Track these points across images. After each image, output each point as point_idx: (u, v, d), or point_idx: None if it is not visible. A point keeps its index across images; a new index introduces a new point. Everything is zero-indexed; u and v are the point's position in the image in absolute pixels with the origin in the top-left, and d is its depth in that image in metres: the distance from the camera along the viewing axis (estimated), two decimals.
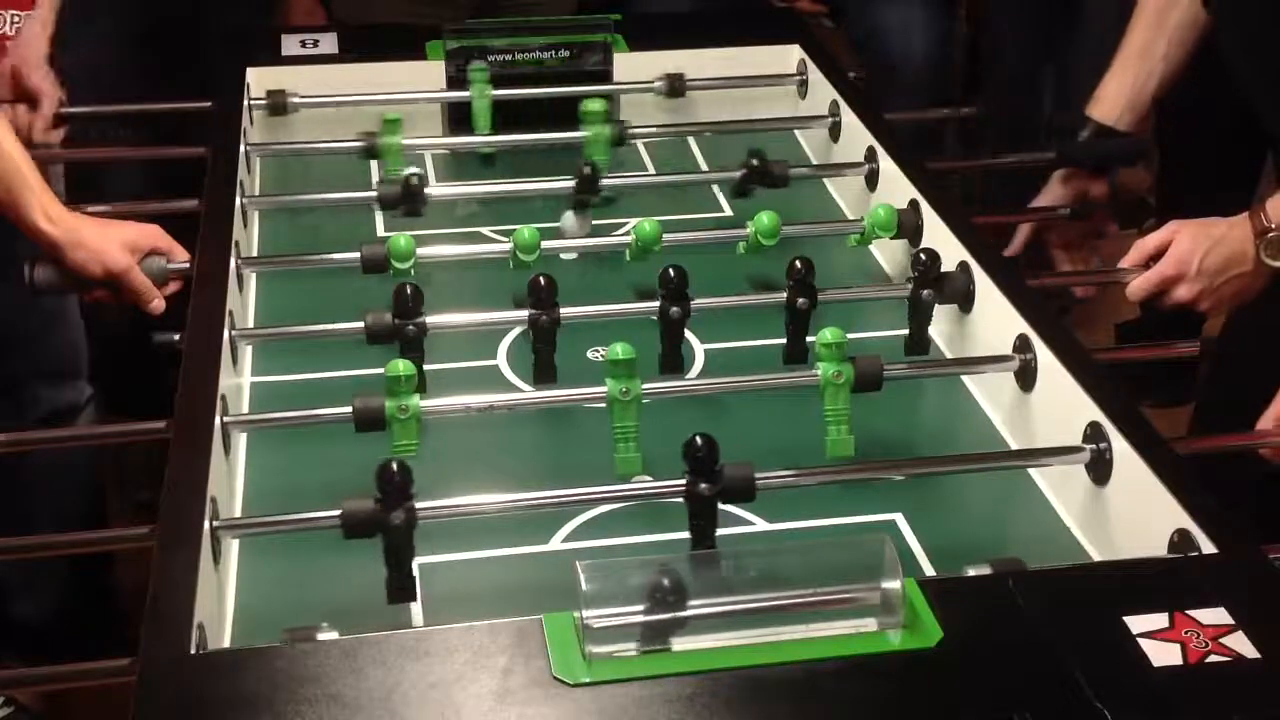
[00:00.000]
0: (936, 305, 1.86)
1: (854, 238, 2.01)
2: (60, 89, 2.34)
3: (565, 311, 1.79)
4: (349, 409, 1.63)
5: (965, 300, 1.84)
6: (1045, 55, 3.18)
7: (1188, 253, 1.85)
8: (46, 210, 1.81)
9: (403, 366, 1.57)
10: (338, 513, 1.39)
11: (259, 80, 2.40)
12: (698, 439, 1.44)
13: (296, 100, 2.35)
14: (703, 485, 1.43)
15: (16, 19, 2.25)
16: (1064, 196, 2.24)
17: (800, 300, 1.78)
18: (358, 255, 1.91)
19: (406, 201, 2.05)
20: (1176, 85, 2.19)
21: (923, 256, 1.82)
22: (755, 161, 2.15)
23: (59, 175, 2.52)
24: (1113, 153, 2.21)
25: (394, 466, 1.39)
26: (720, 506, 1.44)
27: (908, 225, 1.98)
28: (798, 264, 1.79)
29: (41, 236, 1.80)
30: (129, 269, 1.80)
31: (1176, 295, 1.87)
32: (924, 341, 1.83)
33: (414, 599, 1.41)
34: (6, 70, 2.32)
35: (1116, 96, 2.17)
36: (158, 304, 1.84)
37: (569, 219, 2.07)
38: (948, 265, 1.87)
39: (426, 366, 1.76)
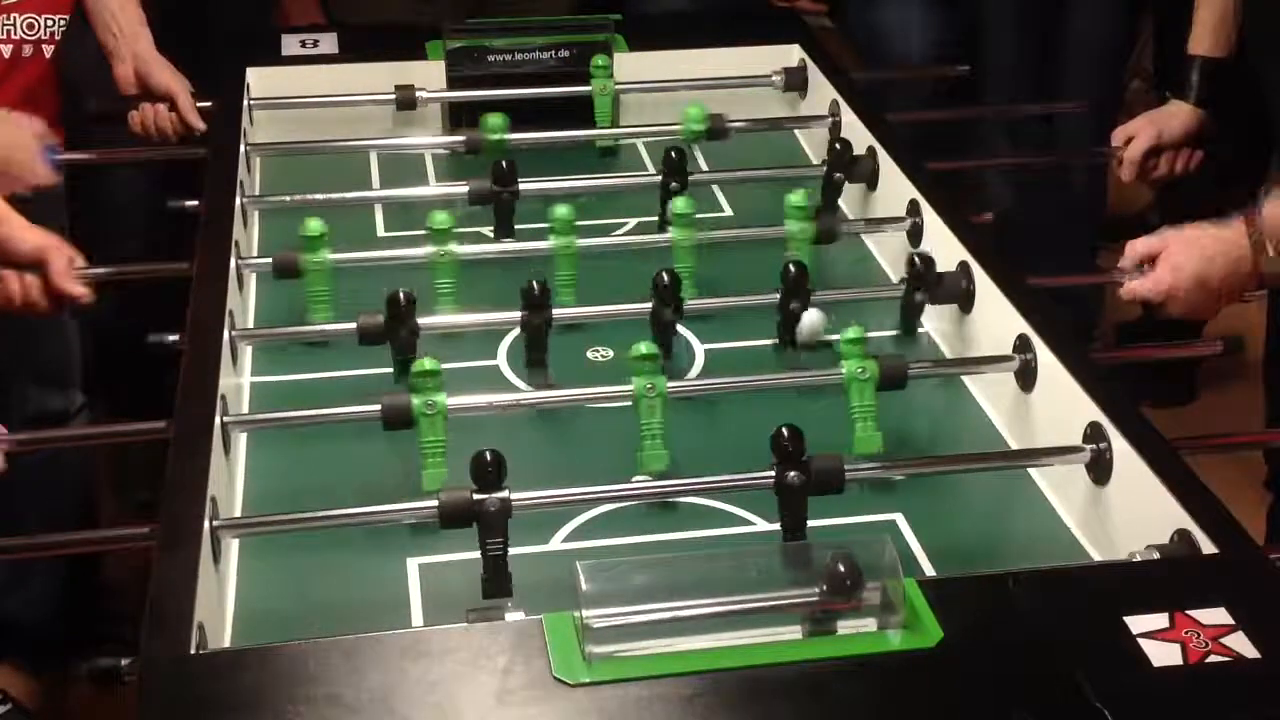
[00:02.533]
0: (936, 305, 1.87)
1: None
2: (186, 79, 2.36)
3: (565, 312, 1.80)
4: (349, 409, 1.64)
5: (965, 300, 1.84)
6: (1040, 53, 3.17)
7: (1180, 266, 1.84)
8: None
9: (429, 363, 1.58)
10: (346, 511, 1.41)
11: (259, 80, 2.40)
12: (784, 430, 1.44)
13: (425, 95, 2.37)
14: (791, 475, 1.43)
15: (51, 23, 2.25)
16: (1189, 127, 2.29)
17: (793, 304, 1.80)
18: (358, 255, 1.93)
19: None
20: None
21: (916, 261, 1.83)
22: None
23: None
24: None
25: (488, 455, 1.40)
26: (722, 506, 1.44)
27: (826, 233, 2.00)
28: (791, 267, 1.81)
29: None
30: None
31: (1170, 309, 1.87)
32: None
33: (509, 594, 1.40)
34: (130, 75, 2.33)
35: (1216, 33, 2.26)
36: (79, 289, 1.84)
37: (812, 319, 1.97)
38: (948, 267, 1.88)
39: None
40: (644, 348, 1.61)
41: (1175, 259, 1.84)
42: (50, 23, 2.24)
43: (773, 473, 1.44)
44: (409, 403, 1.56)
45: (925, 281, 1.84)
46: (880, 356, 1.65)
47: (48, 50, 2.25)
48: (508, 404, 1.69)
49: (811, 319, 1.84)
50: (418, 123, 2.41)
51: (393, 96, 2.36)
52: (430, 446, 1.56)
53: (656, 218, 2.11)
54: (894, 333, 1.90)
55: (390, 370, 1.77)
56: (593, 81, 2.37)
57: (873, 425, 1.62)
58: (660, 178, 2.12)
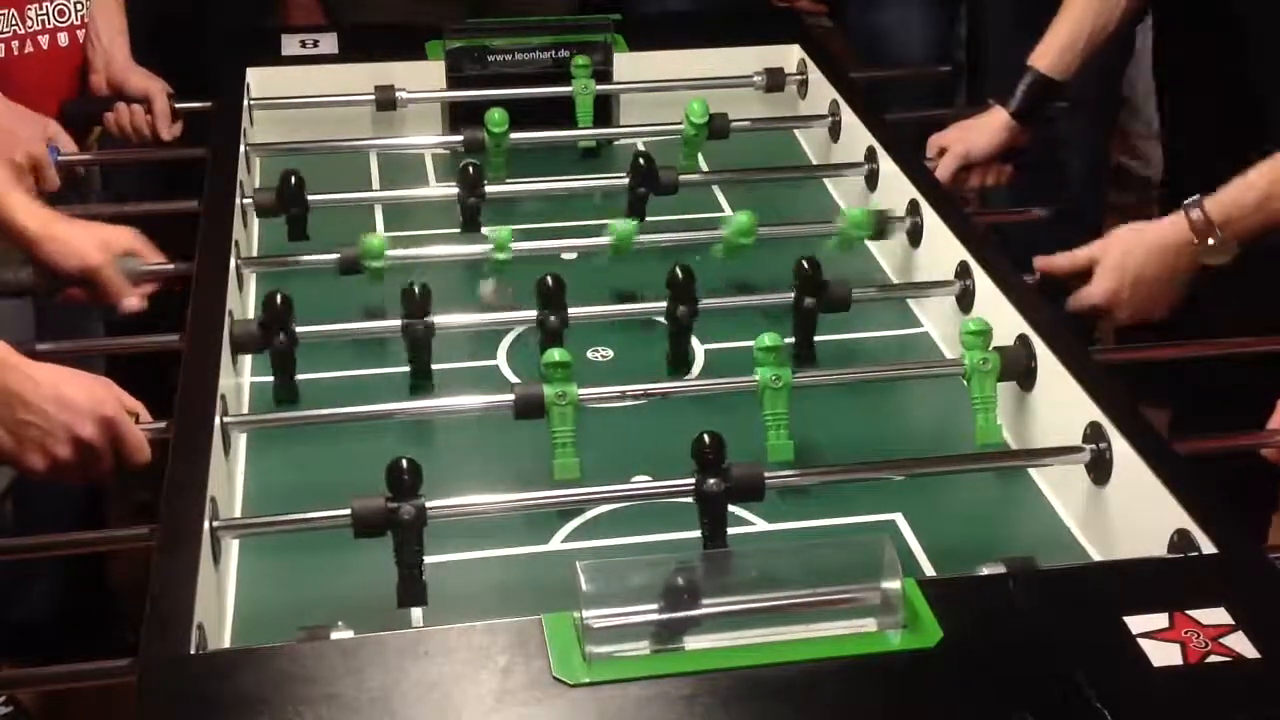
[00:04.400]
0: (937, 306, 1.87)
1: (832, 241, 2.01)
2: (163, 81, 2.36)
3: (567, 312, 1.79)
4: (349, 409, 1.64)
5: (964, 300, 1.85)
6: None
7: (1121, 266, 1.84)
8: (25, 205, 1.81)
9: (559, 354, 1.58)
10: (347, 511, 1.40)
11: (259, 80, 2.40)
12: (706, 436, 1.44)
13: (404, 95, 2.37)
14: (711, 482, 1.43)
15: (81, 7, 2.25)
16: (997, 141, 2.26)
17: (807, 300, 1.79)
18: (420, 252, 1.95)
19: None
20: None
21: (805, 265, 1.81)
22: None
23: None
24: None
25: (404, 463, 1.39)
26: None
27: (883, 226, 2.00)
28: (804, 264, 1.80)
29: (17, 231, 1.80)
30: (103, 265, 1.81)
31: (1118, 314, 1.87)
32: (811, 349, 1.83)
33: (424, 603, 1.41)
34: (102, 85, 2.33)
35: (1062, 54, 2.21)
36: (131, 301, 1.84)
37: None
38: (948, 265, 1.88)
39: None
40: (768, 339, 1.61)
41: (1114, 258, 1.84)
42: (80, 7, 2.24)
43: (693, 480, 1.44)
44: (542, 393, 1.57)
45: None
46: (1002, 348, 1.66)
47: (80, 35, 2.26)
48: (636, 393, 1.67)
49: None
50: (418, 123, 2.41)
51: (405, 96, 2.36)
52: (561, 436, 1.56)
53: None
54: (900, 332, 1.89)
55: (392, 370, 1.77)
56: (574, 82, 2.37)
57: (994, 416, 1.64)
58: (627, 179, 2.10)
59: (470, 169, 2.03)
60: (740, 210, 2.00)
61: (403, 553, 1.39)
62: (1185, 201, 1.83)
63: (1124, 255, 1.85)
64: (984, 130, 2.25)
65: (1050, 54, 2.21)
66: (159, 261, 1.86)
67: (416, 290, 1.74)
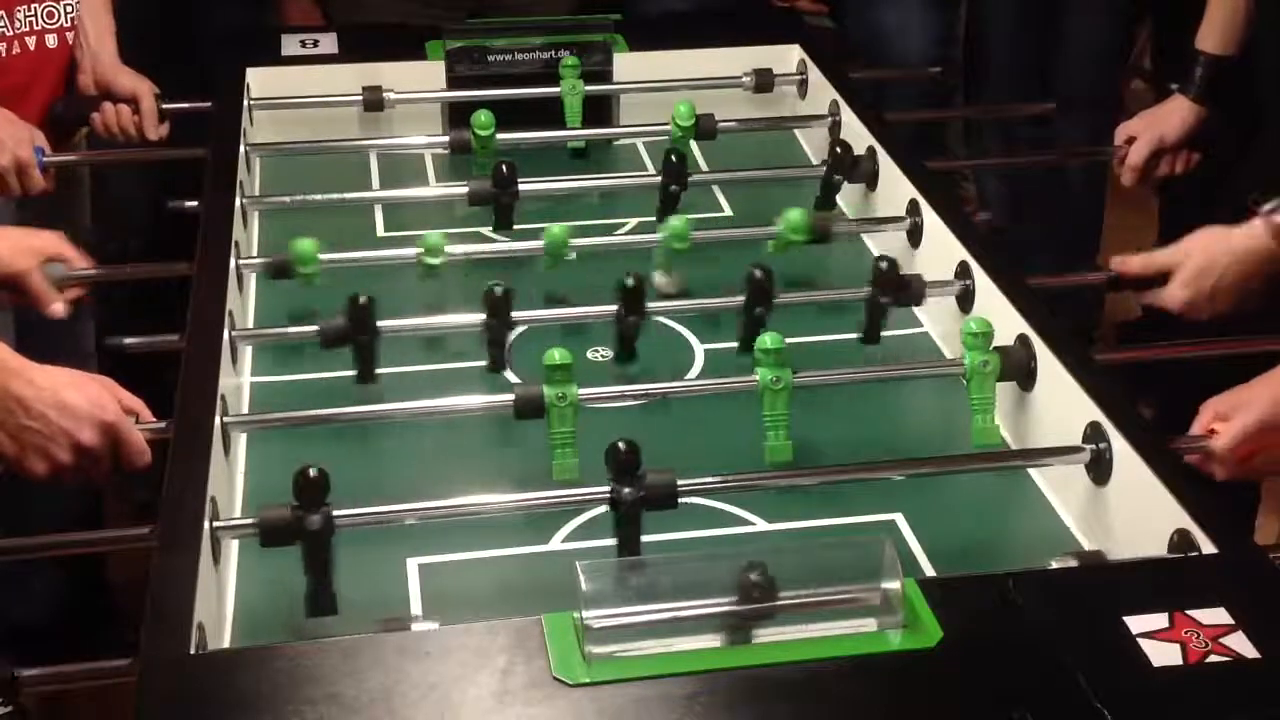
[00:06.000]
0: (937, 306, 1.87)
1: (770, 244, 2.00)
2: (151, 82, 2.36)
3: (568, 312, 1.79)
4: (349, 409, 1.64)
5: (964, 300, 1.85)
6: (1037, 52, 3.18)
7: (1199, 283, 1.84)
8: None
9: (559, 354, 1.58)
10: (251, 520, 1.40)
11: (259, 80, 2.40)
12: (621, 444, 1.43)
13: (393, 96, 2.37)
14: (625, 490, 1.42)
15: (71, 9, 2.25)
16: (1188, 125, 2.28)
17: (757, 309, 1.79)
18: (355, 255, 1.94)
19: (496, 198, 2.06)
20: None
21: (882, 265, 1.83)
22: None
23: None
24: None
25: (311, 471, 1.39)
26: (722, 506, 1.44)
27: (821, 230, 1.99)
28: (882, 264, 1.83)
29: None
30: (28, 271, 1.81)
31: (1199, 317, 1.86)
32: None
33: (334, 612, 1.40)
34: (89, 86, 2.33)
35: (1224, 31, 2.26)
36: (57, 307, 1.84)
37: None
38: (948, 265, 1.88)
39: (425, 367, 1.76)
40: (769, 340, 1.62)
41: (1195, 265, 1.84)
42: (69, 9, 2.24)
43: (608, 488, 1.43)
44: (542, 393, 1.57)
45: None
46: (1002, 349, 1.66)
47: (69, 37, 2.26)
48: (640, 394, 1.69)
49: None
50: (418, 123, 2.41)
51: (394, 97, 2.36)
52: (561, 437, 1.56)
53: (655, 217, 2.11)
54: (901, 332, 1.89)
55: (393, 370, 1.77)
56: (562, 82, 2.37)
57: (991, 417, 1.65)
58: (660, 179, 2.11)
59: (504, 167, 2.04)
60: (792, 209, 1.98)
61: (310, 561, 1.39)
62: (1264, 208, 1.83)
63: (1205, 262, 1.84)
64: (1172, 115, 2.29)
65: (1214, 34, 2.27)
66: (84, 266, 1.86)
67: (497, 292, 1.74)
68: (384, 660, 1.20)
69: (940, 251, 1.92)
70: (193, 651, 1.24)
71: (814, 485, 1.57)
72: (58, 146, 2.25)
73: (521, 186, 2.07)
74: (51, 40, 2.23)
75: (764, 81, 2.48)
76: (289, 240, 1.90)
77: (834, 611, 1.25)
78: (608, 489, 1.43)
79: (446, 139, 2.27)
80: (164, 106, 2.34)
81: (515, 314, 1.82)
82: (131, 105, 2.32)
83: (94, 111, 2.31)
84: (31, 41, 2.19)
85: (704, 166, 2.32)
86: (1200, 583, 1.31)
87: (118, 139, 2.33)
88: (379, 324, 1.72)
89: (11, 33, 2.17)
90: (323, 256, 1.88)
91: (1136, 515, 1.47)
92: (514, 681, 1.18)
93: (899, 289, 1.82)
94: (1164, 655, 1.21)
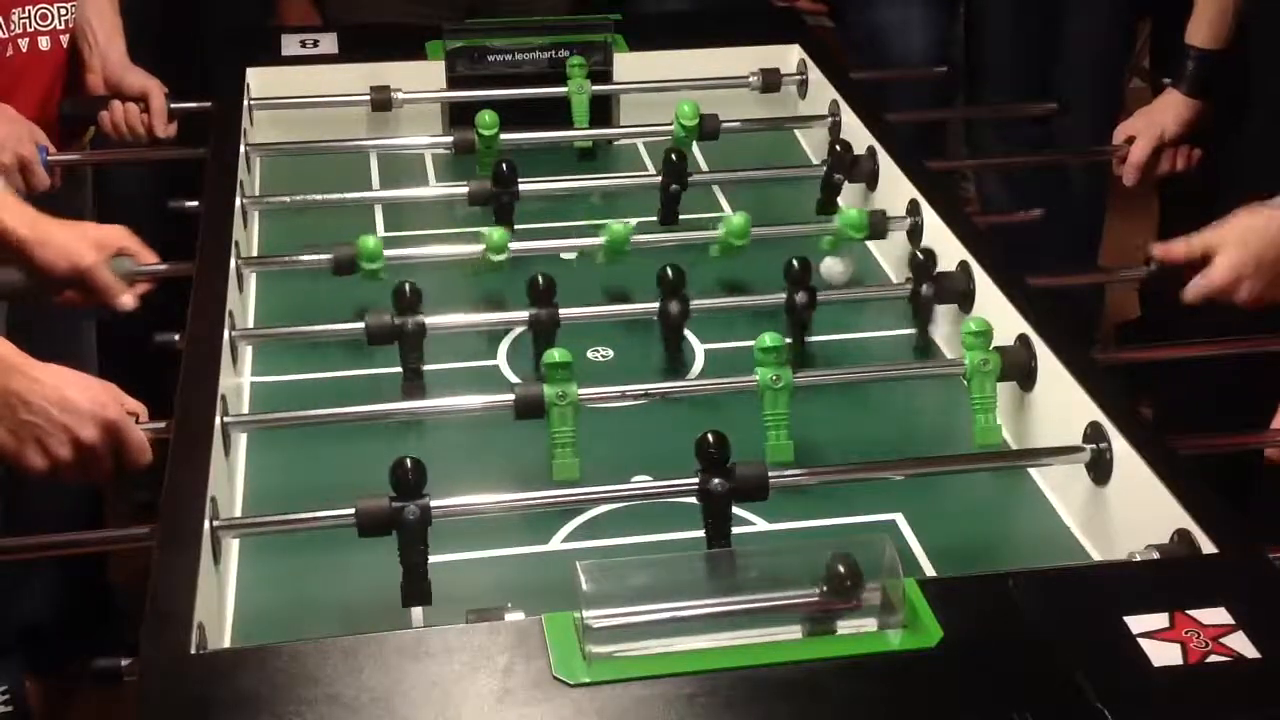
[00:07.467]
0: (936, 306, 1.87)
1: (827, 240, 2.01)
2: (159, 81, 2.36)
3: (568, 312, 1.79)
4: (349, 409, 1.64)
5: (965, 300, 1.84)
6: (1037, 52, 3.18)
7: (1240, 257, 1.81)
8: (11, 207, 1.81)
9: (559, 354, 1.58)
10: (350, 511, 1.40)
11: (259, 80, 2.40)
12: (710, 435, 1.43)
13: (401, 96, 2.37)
14: (716, 482, 1.43)
15: (65, 12, 2.25)
16: (1185, 119, 2.29)
17: (799, 295, 1.80)
18: (412, 252, 1.96)
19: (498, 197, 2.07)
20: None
21: (919, 255, 1.84)
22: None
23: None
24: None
25: (409, 463, 1.39)
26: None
27: (878, 227, 2.00)
28: (794, 263, 1.82)
29: (8, 235, 1.80)
30: (96, 265, 1.81)
31: (1238, 297, 1.85)
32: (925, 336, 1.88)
33: (428, 603, 1.40)
34: (99, 85, 2.32)
35: (1213, 25, 2.28)
36: (126, 299, 1.84)
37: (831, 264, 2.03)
38: (948, 265, 1.88)
39: (426, 367, 1.76)
40: (769, 339, 1.62)
41: (1236, 241, 1.82)
42: (64, 11, 2.24)
43: (697, 480, 1.43)
44: (542, 393, 1.57)
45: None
46: (1002, 348, 1.67)
47: (64, 40, 2.26)
48: (640, 394, 1.68)
49: (830, 266, 1.92)
50: (418, 123, 2.41)
51: (401, 97, 2.36)
52: (561, 437, 1.57)
53: (656, 218, 2.11)
54: (904, 331, 1.90)
55: (392, 370, 1.77)
56: (569, 83, 2.37)
57: (993, 417, 1.65)
58: (660, 179, 2.11)
59: (505, 167, 2.04)
60: (738, 211, 2.01)
61: (407, 553, 1.39)
62: None
63: (1246, 238, 1.82)
64: (1168, 111, 2.30)
65: (1203, 29, 2.28)
66: (152, 261, 1.86)
67: (540, 281, 1.76)
68: (384, 660, 1.20)
69: (940, 251, 1.91)
70: (193, 651, 1.24)
71: (814, 485, 1.57)
72: (64, 146, 2.25)
73: (521, 186, 2.07)
74: (44, 43, 2.22)
75: (771, 81, 2.48)
76: (356, 238, 1.91)
77: (834, 611, 1.25)
78: (695, 480, 1.43)
79: (450, 139, 2.27)
80: (171, 106, 2.34)
81: (514, 314, 1.82)
82: (140, 104, 2.32)
83: (102, 110, 2.32)
84: (24, 44, 2.19)
85: (704, 166, 2.32)
86: (1200, 583, 1.31)
87: (126, 138, 2.33)
88: (425, 321, 1.75)
89: (5, 35, 2.17)
90: (387, 253, 1.90)
91: (1136, 515, 1.47)
92: (514, 681, 1.18)
93: (938, 283, 1.85)
94: (1164, 655, 1.21)
